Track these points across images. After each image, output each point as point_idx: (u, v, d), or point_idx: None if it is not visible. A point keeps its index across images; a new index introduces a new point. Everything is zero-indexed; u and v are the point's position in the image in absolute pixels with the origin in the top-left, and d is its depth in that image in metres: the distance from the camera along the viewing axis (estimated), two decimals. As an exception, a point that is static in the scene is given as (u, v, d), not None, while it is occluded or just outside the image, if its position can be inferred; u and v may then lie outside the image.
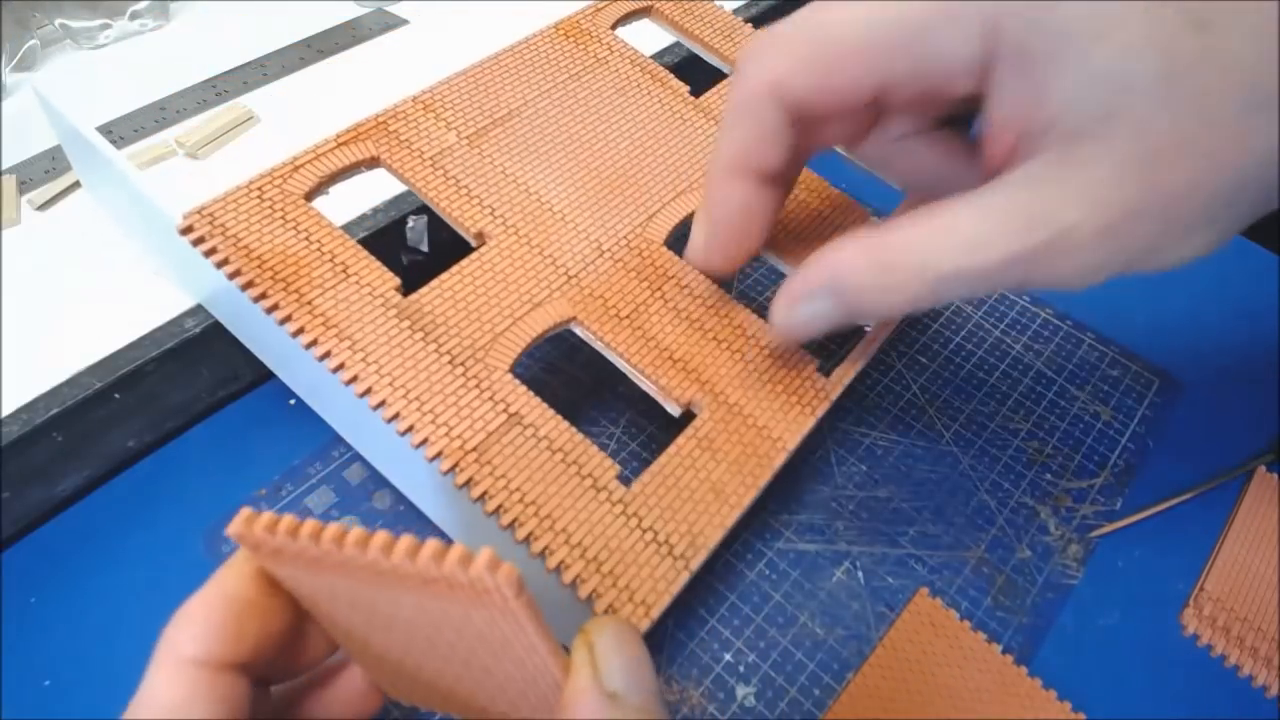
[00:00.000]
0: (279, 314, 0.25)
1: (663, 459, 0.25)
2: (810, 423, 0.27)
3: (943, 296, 0.22)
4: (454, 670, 0.18)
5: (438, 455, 0.23)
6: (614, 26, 0.37)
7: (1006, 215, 0.20)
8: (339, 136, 0.29)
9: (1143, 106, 0.19)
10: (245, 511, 0.17)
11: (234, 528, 0.17)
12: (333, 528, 0.16)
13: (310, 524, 0.16)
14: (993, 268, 0.20)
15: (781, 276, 0.41)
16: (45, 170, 0.40)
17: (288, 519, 0.16)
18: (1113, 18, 0.19)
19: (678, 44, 0.41)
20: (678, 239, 0.31)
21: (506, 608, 0.15)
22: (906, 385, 0.37)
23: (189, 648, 0.18)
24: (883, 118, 0.25)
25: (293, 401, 0.34)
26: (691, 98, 0.35)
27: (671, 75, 0.35)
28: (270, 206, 0.27)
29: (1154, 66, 0.19)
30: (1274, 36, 0.19)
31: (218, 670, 0.18)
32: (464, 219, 0.29)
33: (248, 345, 0.32)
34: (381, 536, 0.16)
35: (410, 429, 0.23)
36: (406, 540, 0.15)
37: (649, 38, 0.38)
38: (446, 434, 0.24)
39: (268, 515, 0.17)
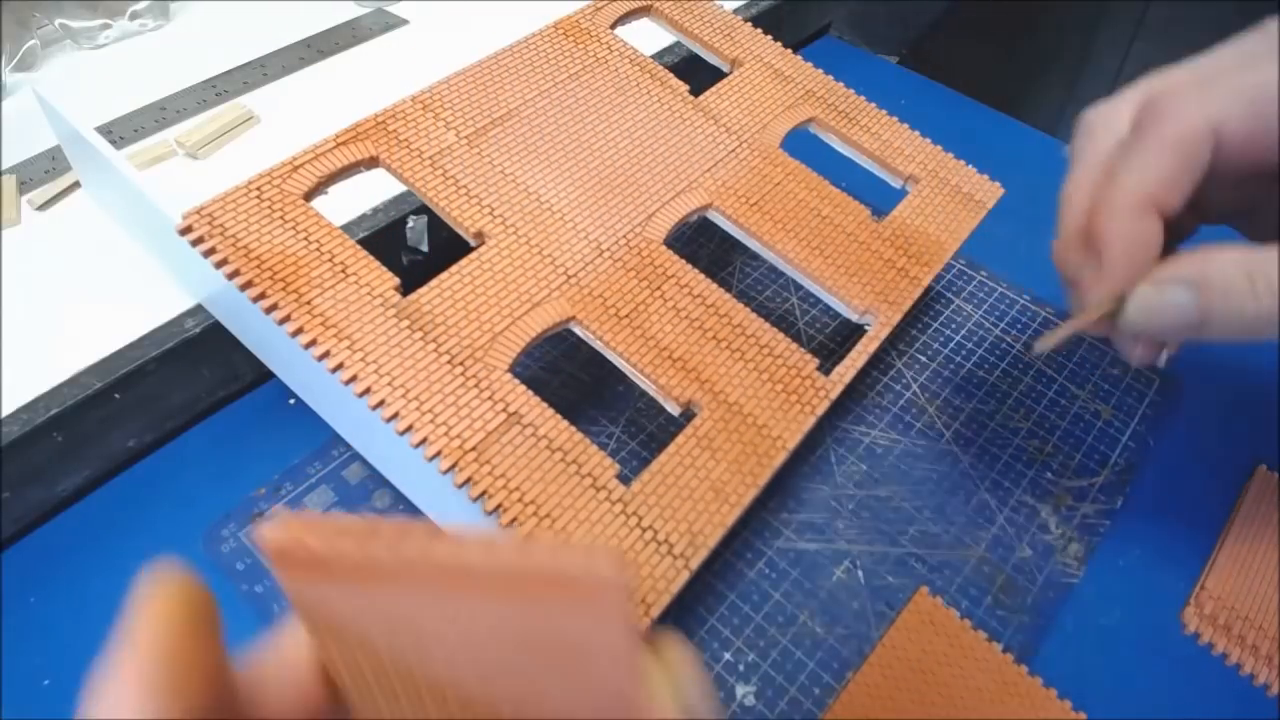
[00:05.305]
0: (279, 314, 0.25)
1: (662, 458, 0.25)
2: (810, 421, 0.27)
3: None
4: (491, 692, 0.17)
5: (437, 455, 0.23)
6: (613, 26, 0.37)
7: None
8: (338, 136, 0.30)
9: None
10: (294, 522, 0.13)
11: (274, 533, 0.13)
12: (418, 533, 0.13)
13: (390, 527, 0.13)
14: None
15: (783, 277, 0.41)
16: (45, 170, 0.40)
17: (355, 524, 0.13)
18: None
19: (678, 43, 0.42)
20: (677, 238, 0.31)
21: (617, 609, 0.14)
22: (906, 384, 0.37)
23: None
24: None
25: (293, 401, 0.34)
26: (691, 97, 0.35)
27: (671, 74, 0.35)
28: (269, 207, 0.27)
29: None
30: None
31: None
32: (463, 219, 0.29)
33: (248, 345, 0.32)
34: (478, 536, 0.14)
35: (409, 428, 0.23)
36: (511, 538, 0.15)
37: (649, 37, 0.38)
38: (446, 433, 0.24)
39: (318, 521, 0.13)
